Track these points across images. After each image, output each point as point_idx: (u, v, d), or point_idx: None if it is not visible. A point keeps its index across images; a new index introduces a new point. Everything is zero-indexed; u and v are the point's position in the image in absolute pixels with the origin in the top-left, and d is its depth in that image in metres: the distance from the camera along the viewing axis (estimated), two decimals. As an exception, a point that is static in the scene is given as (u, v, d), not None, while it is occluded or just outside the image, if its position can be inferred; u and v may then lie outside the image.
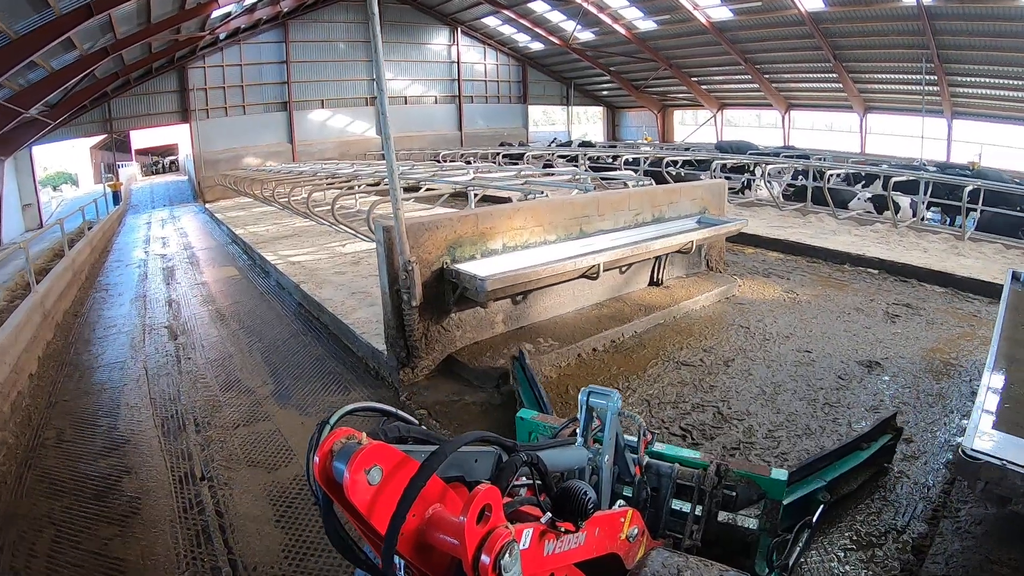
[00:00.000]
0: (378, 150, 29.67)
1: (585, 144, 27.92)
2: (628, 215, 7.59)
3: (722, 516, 3.15)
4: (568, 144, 29.11)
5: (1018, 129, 22.33)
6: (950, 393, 5.69)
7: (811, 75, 26.66)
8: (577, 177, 12.09)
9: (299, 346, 7.77)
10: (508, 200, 9.43)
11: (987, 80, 21.70)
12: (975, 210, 14.00)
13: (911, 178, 13.35)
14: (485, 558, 1.47)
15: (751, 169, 16.77)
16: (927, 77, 22.08)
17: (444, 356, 6.19)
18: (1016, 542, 3.46)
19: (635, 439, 2.84)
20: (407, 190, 12.79)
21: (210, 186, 27.09)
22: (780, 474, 3.10)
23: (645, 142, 31.03)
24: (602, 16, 28.45)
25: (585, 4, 27.49)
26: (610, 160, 20.11)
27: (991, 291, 9.19)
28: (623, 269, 7.29)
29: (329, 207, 11.73)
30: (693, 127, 35.03)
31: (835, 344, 6.79)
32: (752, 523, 3.20)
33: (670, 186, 8.52)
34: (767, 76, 28.21)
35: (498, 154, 23.06)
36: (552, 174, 13.40)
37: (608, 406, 2.50)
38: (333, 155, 29.62)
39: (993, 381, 3.73)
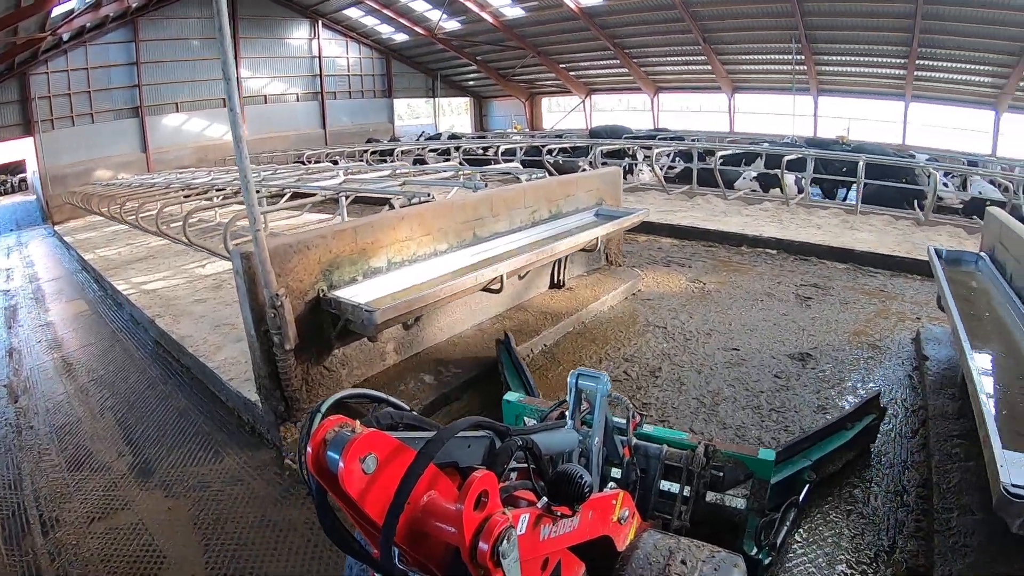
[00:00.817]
0: (239, 154, 27.82)
1: (454, 136, 27.24)
2: (524, 213, 6.92)
3: (710, 496, 3.23)
4: (437, 137, 28.36)
5: (880, 103, 24.16)
6: (891, 379, 5.62)
7: (680, 57, 27.41)
8: (461, 173, 11.32)
9: (158, 399, 6.42)
10: (387, 203, 8.50)
11: (852, 58, 23.17)
12: (854, 183, 14.65)
13: (801, 155, 13.65)
14: (483, 545, 1.49)
15: (632, 153, 16.74)
16: (797, 57, 23.26)
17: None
18: (1014, 554, 3.14)
19: (623, 421, 2.97)
20: (271, 198, 11.47)
21: (59, 205, 23.72)
22: (767, 454, 3.19)
23: (515, 131, 30.80)
24: (469, 4, 27.96)
25: None
26: (481, 152, 19.49)
27: (890, 264, 9.40)
28: (523, 274, 6.63)
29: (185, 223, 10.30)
30: (561, 114, 35.32)
31: (759, 337, 6.49)
32: (740, 503, 3.29)
33: (566, 178, 7.91)
34: (636, 60, 28.78)
35: (366, 151, 21.85)
36: (428, 171, 12.59)
37: (597, 388, 2.57)
38: (191, 162, 27.25)
39: (985, 386, 3.38)
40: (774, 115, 26.69)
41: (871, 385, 5.45)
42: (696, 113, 30.75)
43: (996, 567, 3.10)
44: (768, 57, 24.90)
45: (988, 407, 3.09)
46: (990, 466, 2.74)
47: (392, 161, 18.52)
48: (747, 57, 25.75)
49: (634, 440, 3.02)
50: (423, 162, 18.83)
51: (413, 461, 1.48)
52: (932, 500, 3.73)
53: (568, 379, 2.64)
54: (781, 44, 23.41)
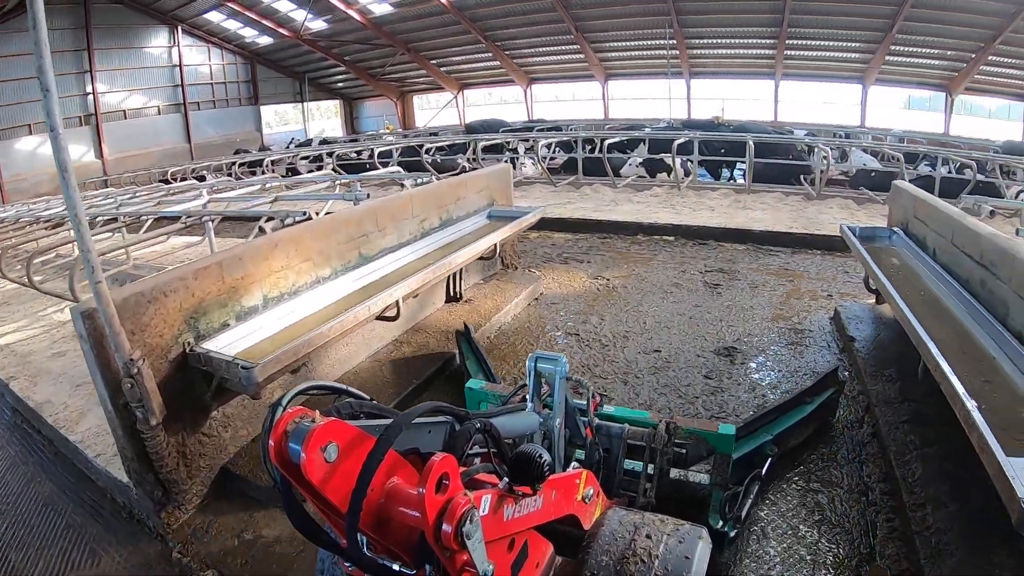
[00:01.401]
0: (99, 175, 26.09)
1: (326, 142, 25.93)
2: (414, 224, 6.27)
3: (674, 473, 3.37)
4: (308, 143, 26.97)
5: (752, 83, 25.24)
6: (823, 365, 5.48)
7: (553, 47, 27.84)
8: (338, 183, 10.44)
9: (21, 483, 4.99)
10: (259, 224, 7.59)
11: (723, 40, 24.22)
12: (739, 162, 14.95)
13: (689, 138, 13.68)
14: (447, 527, 1.52)
15: (512, 147, 16.38)
16: (669, 41, 24.00)
17: (216, 471, 4.36)
18: (996, 546, 3.02)
19: (584, 402, 2.99)
20: (131, 225, 10.13)
21: None
22: (728, 429, 3.30)
23: (387, 131, 29.95)
24: (335, 2, 27.12)
25: None
26: (356, 156, 18.40)
27: (788, 241, 9.45)
28: (417, 292, 6.01)
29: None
30: (434, 111, 34.96)
31: (679, 334, 6.17)
32: (703, 478, 3.42)
33: (455, 180, 7.27)
34: (508, 52, 28.96)
35: (234, 163, 20.27)
36: (302, 183, 11.61)
37: (556, 370, 2.64)
38: (49, 189, 24.43)
39: (958, 384, 3.11)
40: (648, 100, 27.36)
41: (805, 376, 5.24)
42: (570, 102, 31.14)
43: (983, 562, 2.97)
44: (641, 43, 25.62)
45: (974, 411, 2.84)
46: (998, 480, 2.50)
47: (262, 173, 17.16)
48: (620, 44, 26.40)
49: (596, 420, 3.08)
50: (296, 171, 17.54)
51: (373, 448, 1.52)
52: (900, 496, 3.56)
53: (527, 362, 2.71)
54: (653, 29, 24.11)
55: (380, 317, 4.86)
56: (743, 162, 13.59)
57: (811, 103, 26.57)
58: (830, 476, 3.97)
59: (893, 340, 5.46)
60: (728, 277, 7.92)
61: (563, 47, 27.52)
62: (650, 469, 3.20)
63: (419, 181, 8.18)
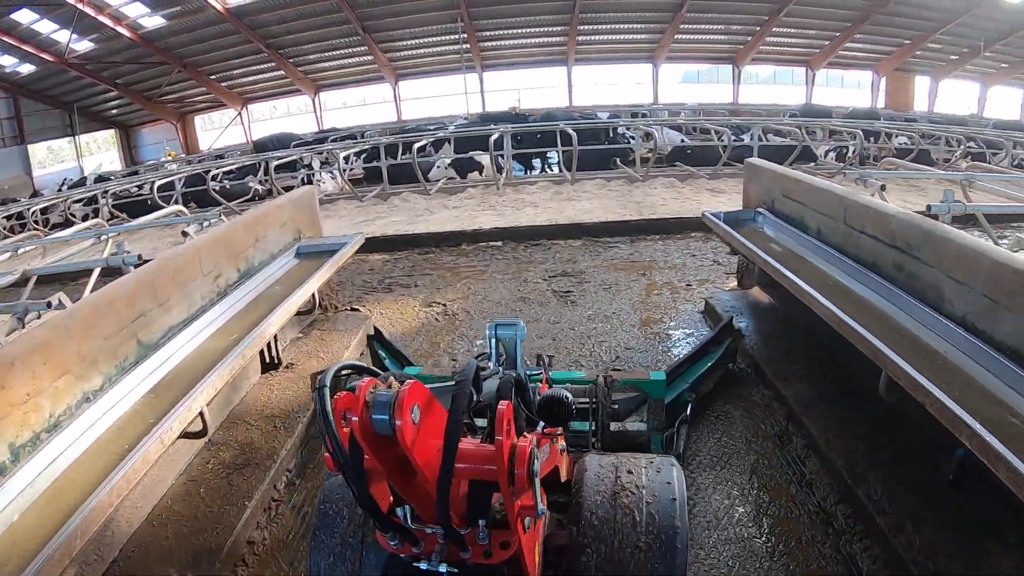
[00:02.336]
0: None
1: (102, 178, 22.07)
2: (206, 284, 4.64)
3: (613, 426, 3.70)
4: (83, 182, 22.87)
5: (546, 71, 25.35)
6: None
7: (340, 51, 26.52)
8: (106, 238, 8.11)
9: None
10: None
11: (515, 31, 24.27)
12: (547, 153, 14.40)
13: (501, 132, 12.78)
14: (519, 469, 1.67)
15: (307, 163, 14.72)
16: (461, 35, 23.63)
17: None
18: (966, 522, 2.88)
19: (537, 367, 3.25)
20: None
21: None
22: (659, 375, 3.76)
23: (170, 159, 26.77)
24: (101, 18, 23.55)
25: (79, 5, 22.29)
26: (136, 190, 15.52)
27: (624, 230, 8.88)
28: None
29: None
30: (219, 130, 32.04)
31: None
32: (641, 426, 3.84)
33: (250, 217, 5.59)
34: (293, 60, 27.24)
35: None
36: (69, 239, 9.07)
37: (516, 335, 2.86)
38: None
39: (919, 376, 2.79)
40: (442, 97, 26.77)
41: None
42: (361, 107, 29.91)
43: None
44: (431, 39, 25.10)
45: (953, 406, 2.54)
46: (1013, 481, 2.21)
47: (27, 229, 13.82)
48: (409, 42, 25.69)
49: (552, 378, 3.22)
50: (71, 221, 14.53)
51: (450, 413, 1.60)
52: (871, 518, 3.10)
53: (487, 330, 2.88)
54: (444, 25, 23.65)
55: (184, 435, 3.43)
56: (556, 151, 13.03)
57: (604, 85, 27.06)
58: (786, 510, 3.45)
59: (782, 331, 4.99)
60: (576, 281, 7.10)
61: (350, 49, 26.34)
62: (593, 427, 3.43)
63: (205, 223, 6.32)
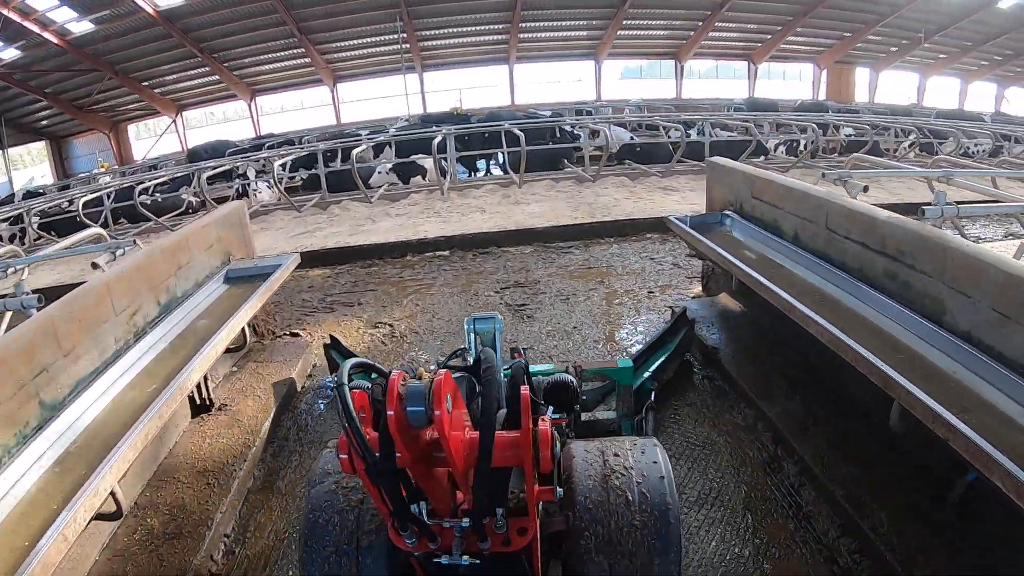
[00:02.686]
0: None
1: (32, 194, 20.44)
2: (120, 323, 3.99)
3: (584, 416, 3.77)
4: (11, 199, 21.07)
5: (486, 70, 24.99)
6: (703, 392, 4.59)
7: (276, 54, 25.79)
8: (12, 271, 6.96)
9: None
10: None
11: (455, 30, 23.96)
12: (492, 154, 13.97)
13: (444, 135, 12.27)
14: (544, 452, 1.73)
15: (243, 172, 13.98)
16: (401, 35, 23.15)
17: None
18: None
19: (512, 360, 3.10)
20: None
21: None
22: (626, 363, 3.83)
23: (102, 170, 25.39)
24: (28, 24, 22.16)
25: (3, 10, 20.82)
26: (67, 205, 14.28)
27: (577, 233, 8.56)
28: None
29: None
30: (153, 139, 30.64)
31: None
32: (610, 415, 3.89)
33: (171, 242, 4.85)
34: (227, 65, 26.26)
35: None
36: None
37: (494, 328, 2.84)
38: None
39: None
40: (382, 99, 26.24)
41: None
42: (299, 111, 29.20)
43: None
44: (369, 40, 24.61)
45: (980, 440, 2.26)
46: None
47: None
48: (347, 43, 25.18)
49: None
50: None
51: (485, 401, 1.65)
52: (879, 554, 2.84)
53: (465, 325, 2.87)
54: (382, 24, 23.20)
55: (99, 517, 2.89)
56: (502, 152, 12.62)
57: (546, 83, 26.85)
58: (785, 551, 3.12)
59: (759, 342, 4.67)
60: (530, 293, 6.67)
61: (286, 51, 25.60)
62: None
63: (119, 252, 5.49)
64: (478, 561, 1.86)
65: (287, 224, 10.60)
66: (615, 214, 9.10)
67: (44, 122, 31.00)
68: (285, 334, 6.18)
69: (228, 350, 4.83)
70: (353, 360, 1.76)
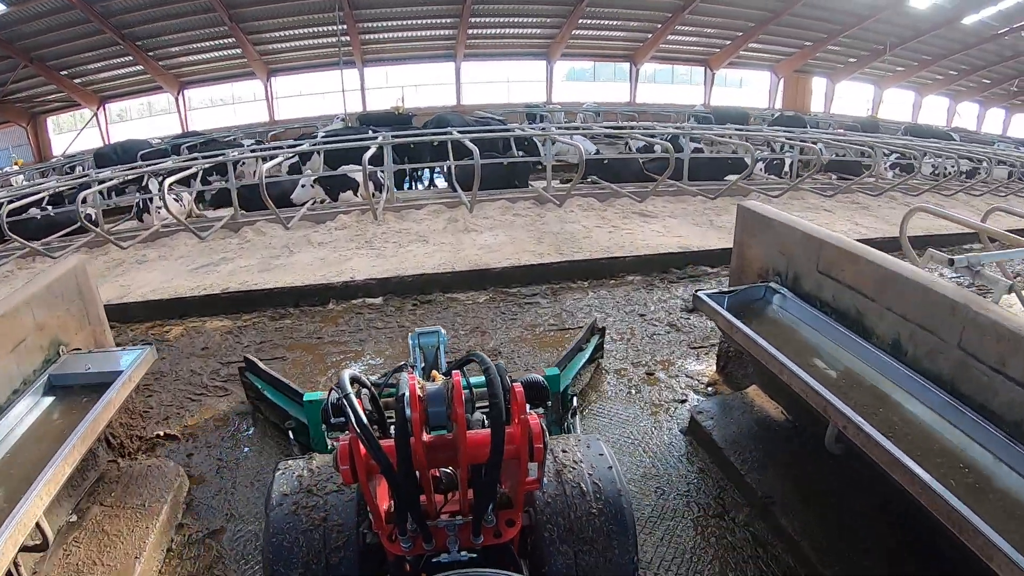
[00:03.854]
0: None
1: None
2: None
3: None
4: None
5: (432, 67, 23.62)
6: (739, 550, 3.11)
7: (205, 44, 23.79)
8: None
9: None
10: None
11: (399, 23, 22.78)
12: (439, 166, 12.35)
13: (380, 145, 10.49)
14: (537, 444, 1.73)
15: (144, 185, 11.88)
16: (341, 27, 21.84)
17: None
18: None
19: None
20: None
21: None
22: (553, 371, 3.78)
23: (16, 168, 22.94)
24: None
25: None
26: None
27: (538, 275, 7.14)
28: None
29: None
30: (74, 133, 27.79)
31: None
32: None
33: None
34: (153, 54, 24.06)
35: None
36: None
37: (439, 341, 2.95)
38: None
39: None
40: (319, 95, 25.06)
41: None
42: (230, 105, 27.22)
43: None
44: (306, 31, 23.24)
45: None
46: None
47: None
48: (283, 34, 23.63)
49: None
50: None
51: (492, 400, 1.64)
52: None
53: (409, 340, 2.95)
54: (320, 14, 21.87)
55: None
56: (448, 165, 10.97)
57: (495, 83, 25.50)
58: None
59: (815, 477, 3.22)
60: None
61: (216, 41, 23.53)
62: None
63: None
64: (475, 555, 1.85)
65: (189, 252, 8.72)
66: (587, 249, 7.57)
67: (-49, 113, 28.23)
68: (157, 435, 4.44)
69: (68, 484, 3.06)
70: (349, 372, 1.77)
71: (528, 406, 1.91)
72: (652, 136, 11.82)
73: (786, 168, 11.87)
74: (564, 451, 2.40)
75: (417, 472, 1.69)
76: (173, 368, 5.58)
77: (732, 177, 10.69)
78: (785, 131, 13.79)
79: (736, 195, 9.84)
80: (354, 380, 1.80)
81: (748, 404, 3.93)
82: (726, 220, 8.60)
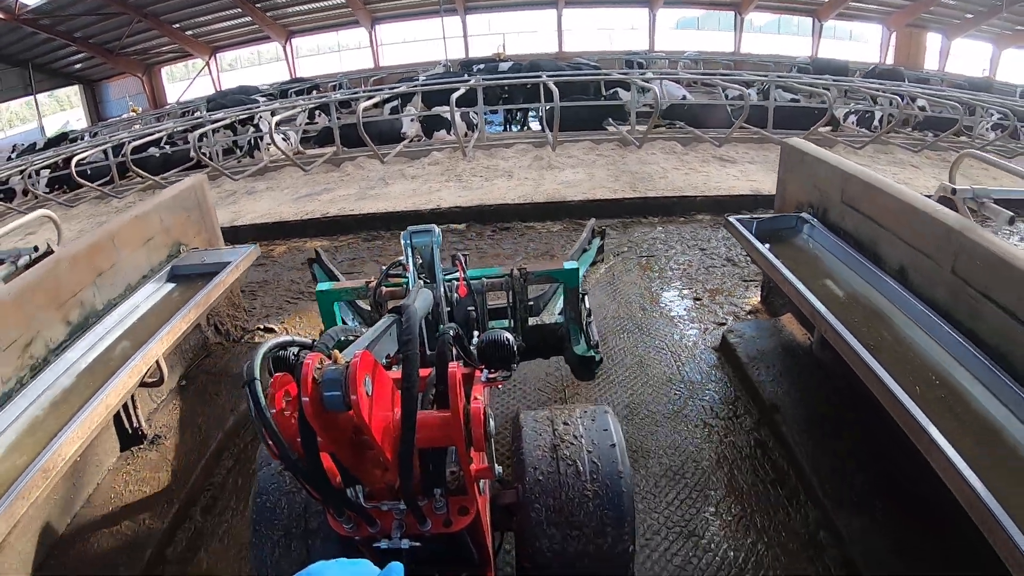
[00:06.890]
0: None
1: (61, 138, 19.08)
2: (9, 361, 2.94)
3: (532, 321, 3.55)
4: (33, 148, 18.59)
5: (532, 14, 23.45)
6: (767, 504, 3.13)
7: None
8: None
9: None
10: None
11: None
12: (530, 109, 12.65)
13: (471, 87, 10.92)
14: (477, 430, 1.57)
15: (255, 123, 12.75)
16: None
17: None
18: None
19: (453, 268, 2.96)
20: None
21: None
22: (572, 264, 3.41)
23: (133, 114, 24.46)
24: None
25: None
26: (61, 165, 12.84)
27: (616, 210, 7.45)
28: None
29: None
30: (187, 82, 29.43)
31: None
32: (558, 319, 3.59)
33: (88, 243, 3.55)
34: (260, 5, 24.99)
35: None
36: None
37: (432, 241, 2.59)
38: None
39: None
40: (422, 42, 25.08)
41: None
42: (336, 53, 27.77)
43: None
44: None
45: None
46: None
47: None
48: None
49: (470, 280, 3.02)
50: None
51: (404, 383, 1.47)
52: None
53: (402, 239, 2.59)
54: None
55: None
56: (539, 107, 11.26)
57: (596, 30, 25.24)
58: None
59: (836, 405, 3.42)
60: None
61: (322, -10, 24.10)
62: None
63: (24, 259, 4.01)
64: (419, 544, 1.71)
65: (295, 184, 9.46)
66: (661, 188, 7.80)
67: (77, 66, 30.05)
68: (259, 328, 5.14)
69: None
70: (271, 342, 1.53)
71: (486, 369, 1.88)
72: (743, 85, 11.72)
73: (875, 122, 11.56)
74: (565, 423, 2.27)
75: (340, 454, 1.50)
76: (275, 279, 6.30)
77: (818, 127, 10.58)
78: (878, 83, 13.29)
79: (821, 145, 9.76)
80: (282, 346, 1.58)
81: (779, 328, 4.21)
82: (803, 167, 8.65)
